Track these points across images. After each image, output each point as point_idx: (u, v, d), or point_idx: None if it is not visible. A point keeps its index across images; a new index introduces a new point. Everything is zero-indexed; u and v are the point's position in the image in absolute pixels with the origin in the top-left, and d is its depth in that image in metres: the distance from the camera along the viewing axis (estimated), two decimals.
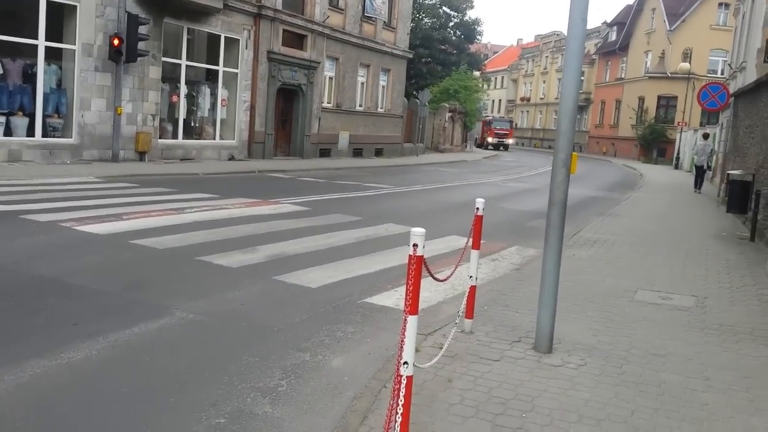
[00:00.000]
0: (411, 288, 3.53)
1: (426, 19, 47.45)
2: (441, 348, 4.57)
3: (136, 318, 5.22)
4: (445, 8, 48.52)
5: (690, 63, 41.11)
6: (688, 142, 36.74)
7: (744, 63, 21.77)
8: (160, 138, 19.10)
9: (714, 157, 23.45)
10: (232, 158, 21.61)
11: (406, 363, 3.50)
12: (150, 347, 4.69)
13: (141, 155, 18.15)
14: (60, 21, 16.34)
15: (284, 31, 23.43)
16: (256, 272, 6.97)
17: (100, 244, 7.79)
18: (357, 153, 29.32)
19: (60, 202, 10.49)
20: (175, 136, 19.98)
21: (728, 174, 15.13)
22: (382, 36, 30.48)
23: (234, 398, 3.98)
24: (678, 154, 38.82)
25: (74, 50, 16.50)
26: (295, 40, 24.25)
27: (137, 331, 4.97)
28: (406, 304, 3.51)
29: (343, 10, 27.31)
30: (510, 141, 58.24)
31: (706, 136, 23.67)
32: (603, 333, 5.46)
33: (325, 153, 26.85)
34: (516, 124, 70.34)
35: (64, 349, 4.49)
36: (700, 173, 21.85)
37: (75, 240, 7.92)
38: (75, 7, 16.33)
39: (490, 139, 57.29)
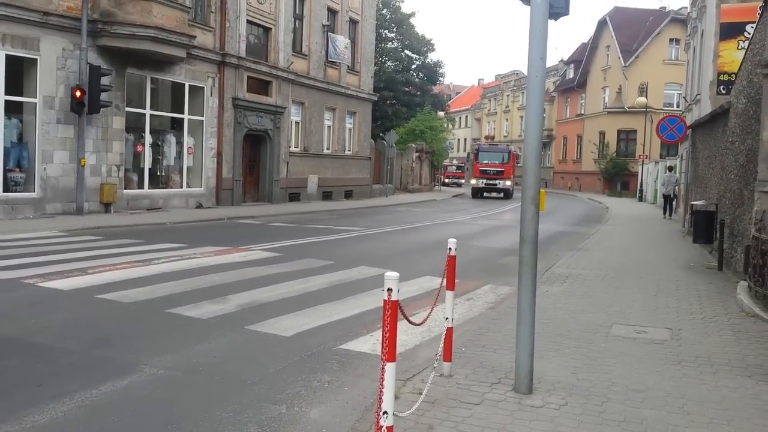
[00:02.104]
0: (387, 334, 3.46)
1: (389, 63, 48.19)
2: (420, 393, 4.48)
3: (103, 376, 5.04)
4: (407, 51, 49.38)
5: (646, 97, 42.29)
6: (650, 174, 37.55)
7: (698, 95, 22.48)
8: (125, 188, 18.86)
9: (677, 186, 25.54)
10: (200, 206, 21.41)
11: (385, 413, 3.41)
12: (118, 407, 4.51)
13: (106, 207, 17.87)
14: (20, 74, 16.19)
15: (249, 77, 23.55)
16: (228, 322, 6.81)
17: (64, 300, 7.57)
18: (326, 196, 29.32)
19: (23, 258, 10.22)
20: (140, 185, 19.76)
21: (692, 205, 15.43)
22: (346, 80, 30.83)
23: None
24: (641, 186, 39.58)
25: (35, 103, 16.32)
26: (260, 86, 24.38)
27: (105, 390, 4.79)
28: (383, 352, 3.44)
29: (306, 55, 27.61)
30: (507, 183, 38.63)
31: (670, 169, 26.45)
32: (582, 370, 5.42)
33: (294, 197, 26.80)
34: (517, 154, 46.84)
35: (28, 413, 4.30)
36: (667, 201, 24.77)
37: (39, 297, 7.69)
38: (35, 60, 16.21)
39: (474, 182, 39.71)
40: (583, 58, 55.05)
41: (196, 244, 12.65)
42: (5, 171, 15.89)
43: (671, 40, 47.21)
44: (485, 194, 39.12)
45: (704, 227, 13.28)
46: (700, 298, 8.79)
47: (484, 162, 39.14)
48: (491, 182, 38.46)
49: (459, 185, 57.49)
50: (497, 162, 39.07)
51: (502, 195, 38.39)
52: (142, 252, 11.37)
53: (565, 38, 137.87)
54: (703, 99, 20.99)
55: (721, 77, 17.04)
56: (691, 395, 4.91)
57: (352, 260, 11.36)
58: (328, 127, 30.03)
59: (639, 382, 5.15)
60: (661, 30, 47.41)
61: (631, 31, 48.62)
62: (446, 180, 57.80)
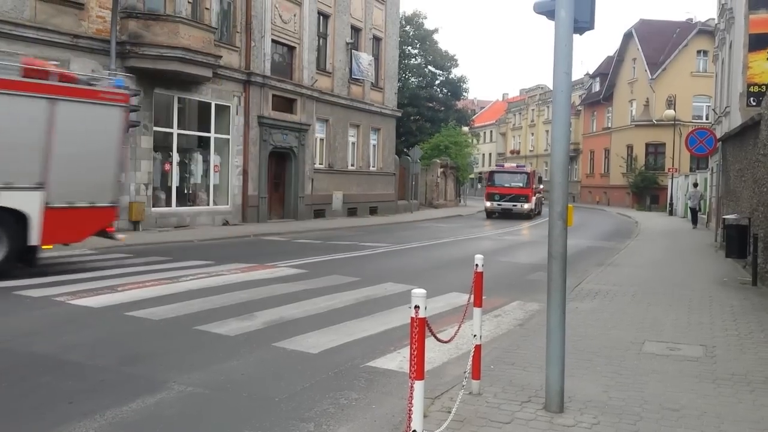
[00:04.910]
0: (415, 352, 3.44)
1: (412, 79, 48.39)
2: (449, 412, 4.43)
3: (133, 393, 5.07)
4: (430, 67, 49.58)
5: (674, 110, 41.79)
6: (680, 187, 37.02)
7: (728, 108, 22.15)
8: (153, 207, 19.10)
9: (703, 201, 28.12)
10: (226, 223, 21.59)
11: (415, 431, 3.38)
12: (148, 424, 4.53)
13: (135, 225, 18.11)
14: None
15: (274, 96, 23.80)
16: (255, 340, 6.83)
17: (95, 318, 7.65)
18: (351, 212, 29.38)
19: (54, 276, 10.37)
20: (168, 204, 20.00)
21: (724, 219, 15.15)
22: (370, 96, 30.99)
23: None
24: (671, 200, 38.99)
25: None
26: (285, 104, 24.62)
27: (135, 407, 4.82)
28: (411, 369, 3.42)
29: (330, 73, 27.82)
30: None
31: (695, 185, 28.68)
32: (614, 388, 5.32)
33: (319, 214, 26.90)
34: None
35: (60, 430, 4.34)
36: (694, 213, 27.71)
37: (69, 314, 7.79)
38: None
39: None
40: (608, 71, 54.65)
41: (223, 261, 12.73)
42: None
43: (699, 51, 46.70)
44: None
45: (737, 241, 13.00)
46: (735, 314, 8.59)
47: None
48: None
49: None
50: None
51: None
52: (170, 269, 11.48)
53: (591, 51, 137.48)
54: (732, 111, 20.68)
55: (751, 89, 16.79)
56: (727, 414, 4.78)
57: (378, 277, 11.34)
58: (353, 143, 30.17)
59: (673, 401, 5.04)
60: (688, 42, 46.95)
61: (657, 44, 48.22)
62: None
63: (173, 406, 4.90)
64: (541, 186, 39.23)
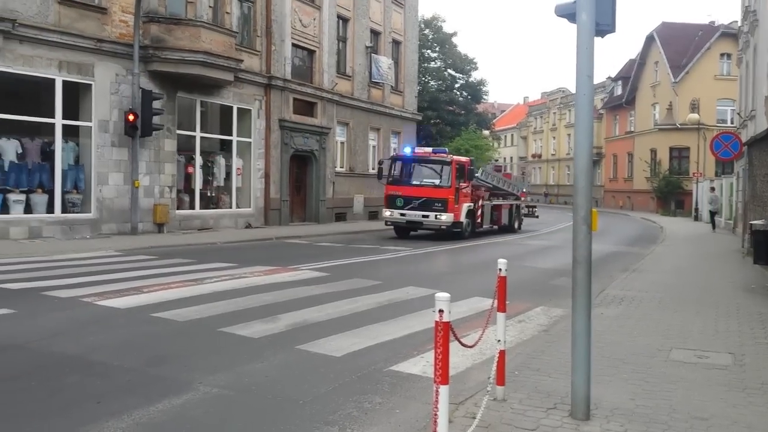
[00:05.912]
0: (440, 356, 3.42)
1: (432, 82, 48.34)
2: (474, 418, 4.40)
3: (159, 394, 5.11)
4: (450, 71, 49.48)
5: (698, 113, 41.29)
6: (705, 192, 36.58)
7: (753, 111, 21.83)
8: (177, 209, 19.29)
9: (720, 204, 29.96)
10: (249, 226, 21.72)
11: None
12: (175, 424, 4.56)
13: (159, 227, 18.29)
14: (76, 99, 16.79)
15: (294, 99, 23.93)
16: (279, 342, 6.85)
17: (121, 319, 7.73)
18: (372, 216, 29.38)
19: (80, 277, 10.50)
20: (192, 206, 20.18)
21: (751, 224, 14.93)
22: (390, 100, 31.03)
23: None
24: (697, 205, 38.44)
25: (91, 127, 16.89)
26: (306, 107, 24.73)
27: (161, 407, 4.85)
28: (436, 374, 3.40)
29: (350, 77, 27.91)
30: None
31: (713, 189, 30.66)
32: (641, 396, 5.25)
33: (340, 217, 26.96)
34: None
35: (88, 429, 4.39)
36: (713, 217, 29.53)
37: (96, 315, 7.87)
38: (90, 85, 16.80)
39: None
40: (631, 75, 54.17)
41: (246, 263, 12.80)
42: (63, 193, 16.43)
43: (722, 54, 46.11)
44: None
45: (765, 247, 12.83)
46: (763, 321, 8.45)
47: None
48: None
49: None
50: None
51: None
52: (195, 271, 11.57)
53: (612, 55, 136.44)
54: (758, 115, 20.38)
55: None
56: (759, 424, 4.70)
57: (399, 280, 11.33)
58: (373, 147, 30.22)
59: (701, 409, 4.96)
60: (711, 45, 46.37)
61: (679, 47, 47.67)
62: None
63: (199, 407, 4.93)
64: (526, 189, 30.38)
